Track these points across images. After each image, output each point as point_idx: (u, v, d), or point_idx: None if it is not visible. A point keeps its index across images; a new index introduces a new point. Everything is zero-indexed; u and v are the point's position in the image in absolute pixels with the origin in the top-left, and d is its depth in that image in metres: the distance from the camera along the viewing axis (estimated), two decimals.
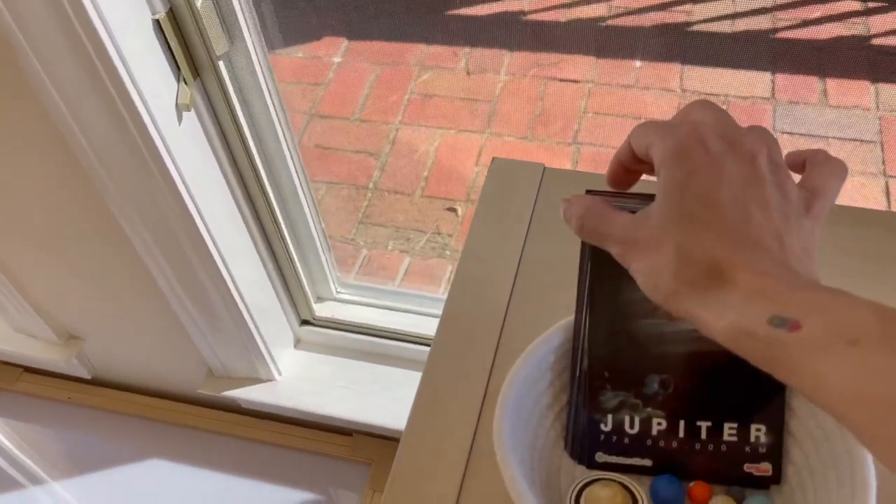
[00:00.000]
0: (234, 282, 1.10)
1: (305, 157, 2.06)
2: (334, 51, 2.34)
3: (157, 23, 0.84)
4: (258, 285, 1.17)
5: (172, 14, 0.85)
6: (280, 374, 1.29)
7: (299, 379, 1.29)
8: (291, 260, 1.20)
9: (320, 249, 1.23)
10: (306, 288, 1.26)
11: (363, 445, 1.35)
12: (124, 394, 1.45)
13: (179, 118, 0.92)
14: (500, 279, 0.65)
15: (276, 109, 1.01)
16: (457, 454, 0.56)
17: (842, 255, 0.65)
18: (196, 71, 0.91)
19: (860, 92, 2.06)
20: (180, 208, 0.97)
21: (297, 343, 1.34)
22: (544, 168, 0.72)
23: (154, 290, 1.13)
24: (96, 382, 1.46)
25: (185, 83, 0.90)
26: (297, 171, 1.10)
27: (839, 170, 0.40)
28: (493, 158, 0.73)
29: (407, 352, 1.27)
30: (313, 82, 2.27)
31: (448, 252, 1.78)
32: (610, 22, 2.18)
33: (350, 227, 1.90)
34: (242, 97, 0.98)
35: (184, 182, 0.95)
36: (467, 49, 2.29)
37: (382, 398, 1.26)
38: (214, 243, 1.04)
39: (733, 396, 0.51)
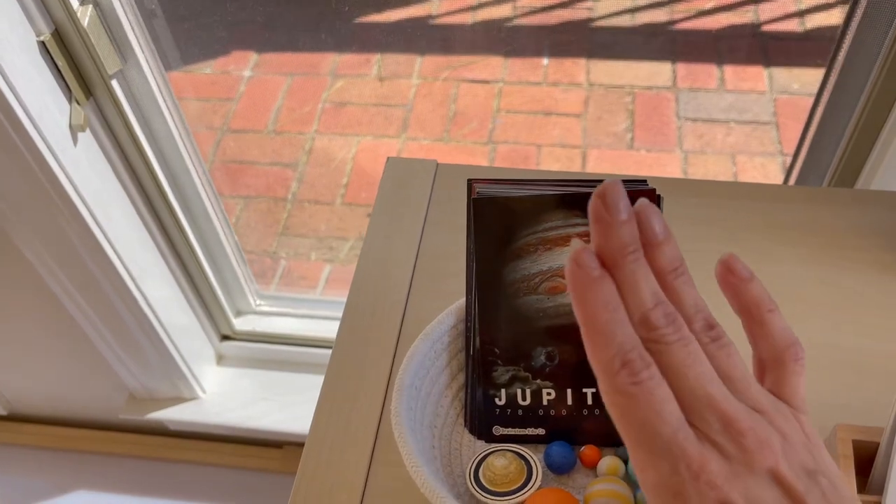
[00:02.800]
0: (147, 302, 1.09)
1: (220, 172, 2.04)
2: (244, 65, 2.32)
3: (43, 44, 0.83)
4: (173, 304, 1.16)
5: (58, 34, 0.84)
6: (204, 391, 1.28)
7: (224, 395, 1.29)
8: (206, 276, 1.19)
9: (235, 263, 1.23)
10: (223, 303, 1.25)
11: (294, 457, 1.34)
12: (44, 427, 1.41)
13: (75, 139, 0.91)
14: (398, 273, 0.67)
15: (177, 125, 1.01)
16: (363, 441, 0.58)
17: (694, 225, 0.69)
18: (89, 90, 0.91)
19: (755, 76, 2.17)
20: (84, 231, 0.95)
21: (220, 359, 1.33)
22: (437, 164, 0.75)
23: (65, 317, 1.10)
24: (13, 418, 1.42)
25: (78, 104, 0.89)
26: (204, 187, 1.10)
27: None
28: (388, 158, 0.75)
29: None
30: (224, 98, 2.26)
31: None
32: (516, 22, 2.24)
33: (271, 241, 1.89)
34: (141, 115, 0.98)
35: (85, 204, 0.93)
36: (378, 56, 2.30)
37: (310, 407, 1.25)
38: (123, 264, 1.02)
39: None
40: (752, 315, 0.32)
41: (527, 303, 0.54)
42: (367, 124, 2.16)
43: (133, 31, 0.90)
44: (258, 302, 1.32)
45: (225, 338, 1.31)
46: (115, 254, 1.00)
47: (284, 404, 1.26)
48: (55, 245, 0.97)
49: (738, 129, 2.07)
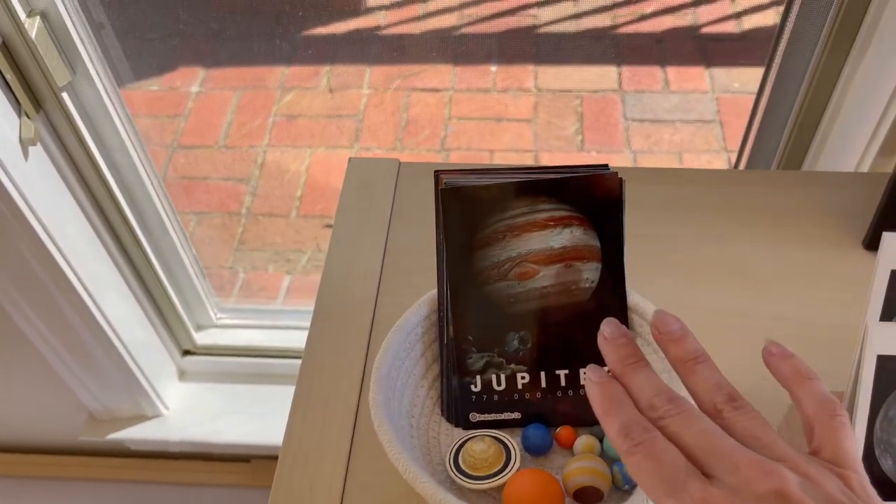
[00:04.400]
0: (105, 318, 1.07)
1: (172, 189, 2.01)
2: (191, 80, 2.30)
3: None
4: (132, 319, 1.14)
5: (6, 46, 0.83)
6: (167, 408, 1.26)
7: (187, 410, 1.27)
8: (165, 290, 1.17)
9: (194, 277, 1.21)
10: (184, 317, 1.24)
11: (262, 469, 1.33)
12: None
13: (25, 154, 0.89)
14: (367, 270, 0.68)
15: (130, 137, 1.00)
16: (340, 437, 0.58)
17: (651, 210, 0.71)
18: (38, 103, 0.89)
19: (697, 77, 2.23)
20: (37, 247, 0.93)
21: (182, 375, 1.31)
22: (399, 162, 0.75)
23: (19, 338, 1.07)
24: None
25: (28, 117, 0.87)
26: (160, 199, 1.08)
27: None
28: (350, 158, 0.76)
29: (295, 368, 1.27)
30: (172, 114, 2.23)
31: None
32: (463, 31, 2.26)
33: (227, 256, 1.87)
34: (93, 128, 0.96)
35: (38, 219, 0.91)
36: (327, 67, 2.30)
37: (276, 418, 1.25)
38: (80, 280, 1.00)
39: (584, 344, 0.55)
40: (791, 384, 0.37)
41: (497, 289, 0.55)
42: (320, 136, 2.15)
43: (82, 42, 0.89)
44: (219, 315, 1.30)
45: (186, 353, 1.29)
46: (71, 269, 0.98)
47: (251, 416, 1.25)
48: (8, 261, 0.95)
49: (684, 128, 2.13)
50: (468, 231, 0.54)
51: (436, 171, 0.55)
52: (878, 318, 0.48)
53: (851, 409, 0.49)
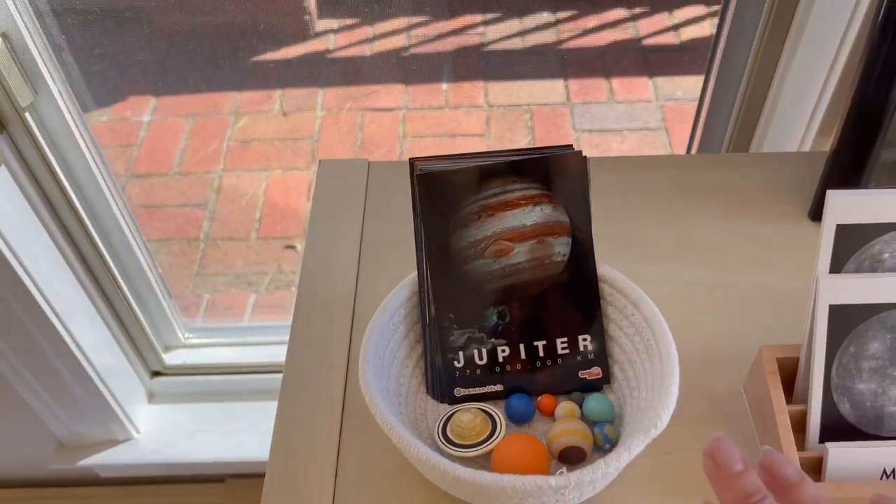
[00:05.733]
0: (74, 341, 1.06)
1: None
2: (142, 109, 2.29)
3: None
4: (101, 343, 1.13)
5: None
6: (138, 431, 1.25)
7: (159, 432, 1.26)
8: (133, 312, 1.17)
9: (161, 297, 1.21)
10: (152, 339, 1.23)
11: (237, 489, 1.32)
12: None
13: None
14: (344, 264, 0.70)
15: (94, 159, 1.00)
16: (330, 421, 0.59)
17: (612, 195, 0.75)
18: (2, 124, 0.89)
19: (641, 87, 2.30)
20: (3, 268, 0.93)
21: (151, 397, 1.30)
22: (369, 161, 0.78)
23: None
24: None
25: None
26: (125, 220, 1.08)
27: None
28: (320, 161, 0.78)
29: (267, 383, 1.27)
30: (125, 144, 2.21)
31: (294, 287, 1.78)
32: (412, 50, 2.31)
33: (187, 282, 1.85)
34: (56, 149, 0.96)
35: (4, 240, 0.91)
36: (279, 91, 2.32)
37: (249, 434, 1.25)
38: (48, 303, 1.00)
39: (560, 315, 0.58)
40: None
41: (475, 267, 0.57)
42: (275, 158, 2.16)
43: (44, 63, 0.90)
44: (187, 335, 1.30)
45: (156, 374, 1.28)
46: (38, 291, 0.98)
47: (224, 434, 1.24)
48: None
49: (631, 136, 2.20)
50: (444, 214, 0.57)
51: (410, 159, 0.58)
52: (828, 271, 0.52)
53: (809, 359, 0.53)
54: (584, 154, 0.57)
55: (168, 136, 2.19)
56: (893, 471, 0.52)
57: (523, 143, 2.22)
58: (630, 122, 2.22)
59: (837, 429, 0.54)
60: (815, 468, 0.53)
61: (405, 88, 2.38)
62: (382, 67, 2.40)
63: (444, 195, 0.56)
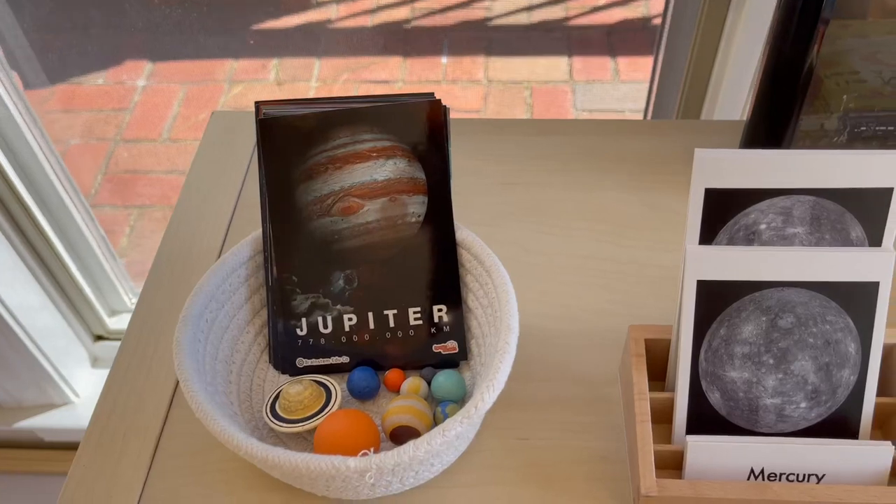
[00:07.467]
0: (4, 305, 1.03)
1: (113, 183, 1.97)
2: (137, 74, 2.27)
3: None
4: (36, 305, 1.10)
5: None
6: (77, 395, 1.22)
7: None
8: (70, 274, 1.14)
9: (103, 260, 1.17)
10: (94, 302, 1.20)
11: None
12: None
13: None
14: (215, 222, 0.65)
15: (24, 118, 0.96)
16: (163, 388, 0.55)
17: (530, 159, 0.69)
18: None
19: (647, 67, 2.20)
20: None
21: (95, 361, 1.27)
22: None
23: None
24: None
25: None
26: (62, 183, 1.05)
27: None
28: (213, 112, 0.73)
29: None
30: (117, 108, 2.19)
31: None
32: (415, 23, 2.25)
33: None
34: None
35: None
36: (276, 60, 2.28)
37: None
38: None
39: (413, 282, 0.52)
40: None
41: (321, 226, 0.52)
42: None
43: None
44: (133, 299, 1.26)
45: (99, 338, 1.25)
46: None
47: None
48: None
49: (633, 118, 2.11)
50: (289, 164, 0.51)
51: (256, 102, 0.53)
52: (698, 242, 0.46)
53: (678, 342, 0.47)
54: (443, 104, 0.51)
55: (161, 102, 2.16)
56: (762, 471, 0.46)
57: None
58: (633, 104, 2.14)
59: (707, 421, 0.48)
60: (679, 463, 0.47)
61: (403, 61, 2.32)
62: (382, 39, 2.35)
63: (288, 143, 0.51)
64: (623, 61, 2.20)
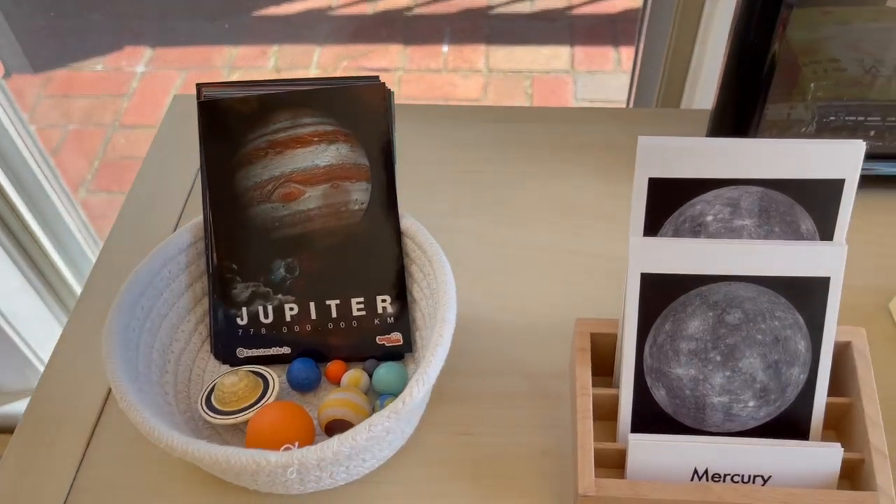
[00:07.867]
0: None
1: (110, 169, 1.97)
2: (136, 60, 2.26)
3: None
4: (10, 288, 1.09)
5: None
6: None
7: None
8: (49, 259, 1.13)
9: (84, 244, 1.17)
10: (73, 286, 1.19)
11: None
12: None
13: None
14: (168, 208, 0.64)
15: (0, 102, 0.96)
16: (103, 377, 0.54)
17: (493, 146, 0.67)
18: None
19: None
20: None
21: None
22: None
23: None
24: None
25: None
26: (39, 166, 1.04)
27: None
28: (174, 96, 0.72)
29: None
30: (116, 94, 2.19)
31: None
32: (416, 11, 2.23)
33: None
34: None
35: None
36: (275, 47, 2.26)
37: None
38: None
39: (356, 271, 0.51)
40: None
41: (262, 212, 0.51)
42: None
43: None
44: None
45: None
46: None
47: None
48: None
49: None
50: (228, 148, 0.50)
51: (197, 84, 0.51)
52: (642, 233, 0.44)
53: (622, 337, 0.45)
54: (387, 87, 0.49)
55: (160, 88, 2.15)
56: (706, 471, 0.44)
57: None
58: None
59: (653, 419, 0.46)
60: (624, 462, 0.45)
61: (403, 49, 2.30)
62: (383, 27, 2.33)
63: (228, 126, 0.49)
64: (626, 51, 2.17)
